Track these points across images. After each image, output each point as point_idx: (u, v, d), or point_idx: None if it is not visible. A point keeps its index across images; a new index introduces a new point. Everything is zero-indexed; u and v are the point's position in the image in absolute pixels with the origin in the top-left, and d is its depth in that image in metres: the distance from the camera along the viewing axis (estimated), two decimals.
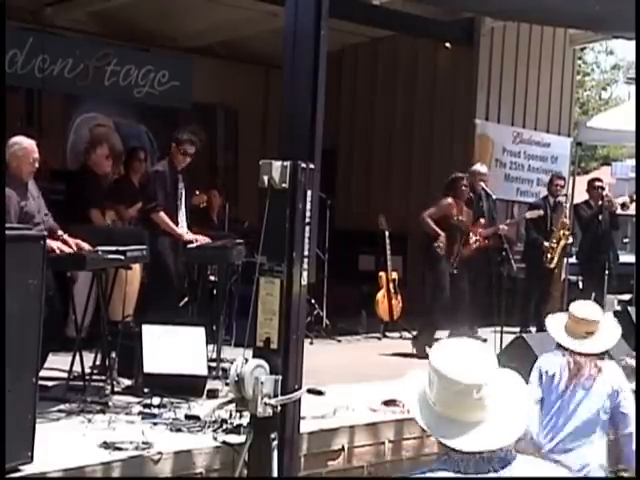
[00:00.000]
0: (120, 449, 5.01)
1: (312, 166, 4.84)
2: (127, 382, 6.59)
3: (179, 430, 5.52)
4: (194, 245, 7.50)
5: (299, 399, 4.89)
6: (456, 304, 9.20)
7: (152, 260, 7.05)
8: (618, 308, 11.17)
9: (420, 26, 11.64)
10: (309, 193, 4.82)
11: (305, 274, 4.84)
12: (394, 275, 10.15)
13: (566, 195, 11.07)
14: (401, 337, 10.04)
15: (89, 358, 6.62)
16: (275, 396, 4.67)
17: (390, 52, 13.03)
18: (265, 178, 4.76)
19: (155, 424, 5.61)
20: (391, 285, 10.09)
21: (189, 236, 7.57)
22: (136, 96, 11.77)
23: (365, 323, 10.35)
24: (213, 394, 6.36)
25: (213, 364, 7.05)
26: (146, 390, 6.21)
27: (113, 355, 6.66)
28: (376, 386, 7.16)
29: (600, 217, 10.89)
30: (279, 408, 4.69)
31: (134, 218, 8.42)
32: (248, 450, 4.76)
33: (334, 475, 5.93)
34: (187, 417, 5.75)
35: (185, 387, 6.29)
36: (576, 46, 13.80)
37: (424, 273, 9.69)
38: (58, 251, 6.07)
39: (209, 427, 5.51)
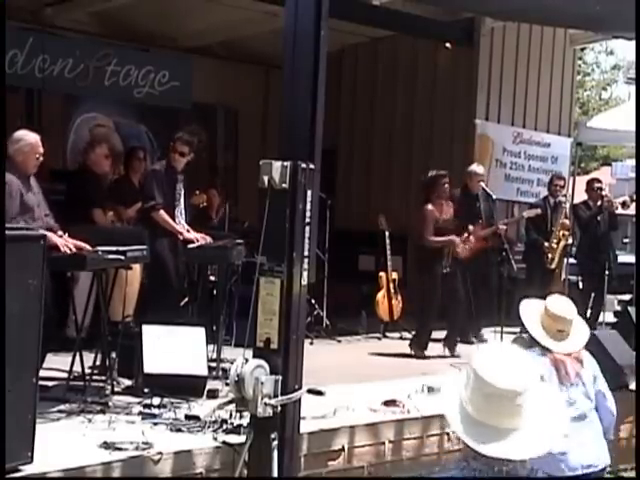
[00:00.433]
0: (120, 449, 5.01)
1: (312, 166, 4.84)
2: (127, 382, 6.59)
3: (179, 430, 5.52)
4: (194, 245, 7.50)
5: (299, 399, 4.89)
6: (454, 304, 9.18)
7: (152, 260, 7.05)
8: (618, 308, 11.20)
9: (420, 26, 11.64)
10: (309, 193, 4.82)
11: (305, 274, 4.84)
12: (394, 275, 10.15)
13: (566, 195, 11.07)
14: (401, 337, 10.03)
15: (89, 358, 6.62)
16: (275, 396, 4.68)
17: (390, 52, 13.03)
18: (265, 178, 4.77)
19: (155, 424, 5.61)
20: (391, 285, 10.08)
21: (190, 235, 7.57)
22: (136, 96, 11.77)
23: (365, 323, 10.34)
24: (213, 394, 6.35)
25: (213, 364, 7.04)
26: (146, 390, 6.21)
27: (113, 355, 6.66)
28: (376, 386, 7.16)
29: (599, 217, 10.90)
30: (279, 408, 4.70)
31: (134, 218, 8.42)
32: (248, 450, 4.76)
33: (334, 475, 5.93)
34: (187, 417, 5.75)
35: (185, 387, 6.28)
36: (576, 46, 13.80)
37: (419, 274, 9.64)
38: (65, 248, 6.07)
39: (209, 427, 5.51)
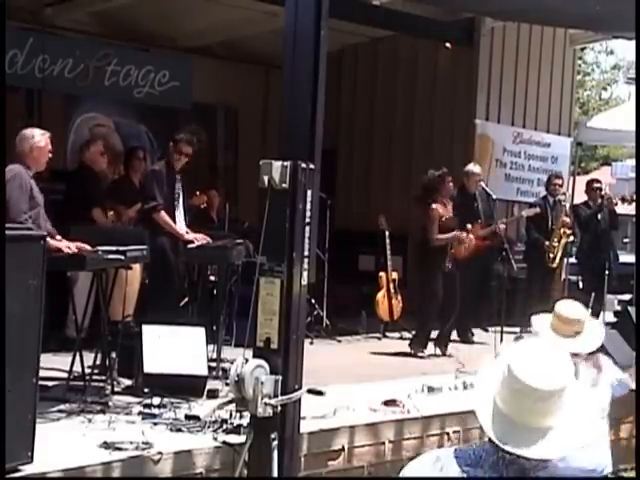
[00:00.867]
0: (120, 449, 5.01)
1: (312, 166, 4.84)
2: (127, 382, 6.59)
3: (179, 430, 5.52)
4: (194, 245, 7.50)
5: (299, 399, 4.90)
6: (452, 304, 9.17)
7: (152, 260, 7.05)
8: (618, 308, 11.20)
9: (420, 26, 11.64)
10: (309, 193, 4.83)
11: (305, 274, 4.85)
12: (394, 275, 10.14)
13: (565, 194, 11.08)
14: (401, 337, 10.03)
15: (89, 358, 6.62)
16: (275, 396, 4.68)
17: (390, 52, 13.03)
18: (265, 178, 4.77)
19: (155, 424, 5.61)
20: (391, 285, 10.08)
21: (190, 236, 7.57)
22: (136, 96, 11.77)
23: (365, 323, 10.34)
24: (213, 394, 6.35)
25: (213, 364, 7.04)
26: (146, 390, 6.21)
27: (113, 355, 6.66)
28: (376, 386, 7.16)
29: (599, 216, 10.91)
30: (279, 408, 4.70)
31: (134, 218, 8.42)
32: (248, 450, 4.76)
33: (334, 475, 5.93)
34: (187, 417, 5.74)
35: (185, 387, 6.29)
36: (576, 46, 13.80)
37: (420, 273, 9.64)
38: (65, 249, 6.07)
39: (209, 427, 5.51)
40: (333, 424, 6.00)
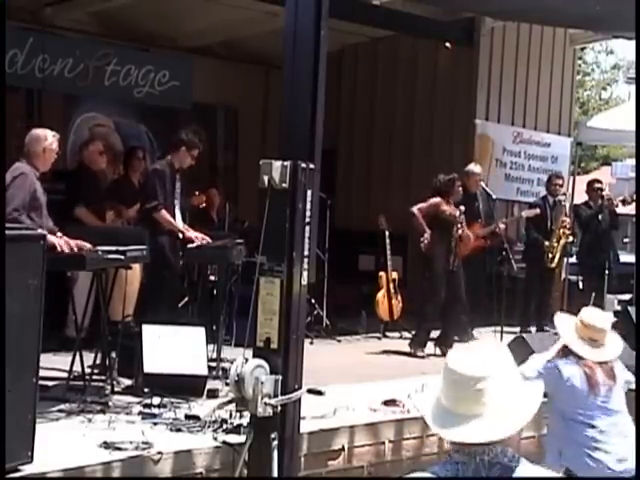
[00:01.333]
0: (120, 449, 5.01)
1: (312, 166, 4.84)
2: (127, 382, 6.59)
3: (179, 430, 5.52)
4: (194, 245, 7.50)
5: (299, 399, 4.90)
6: (454, 304, 9.17)
7: (152, 260, 7.05)
8: (618, 308, 11.18)
9: (420, 26, 11.64)
10: (309, 193, 4.83)
11: (305, 274, 4.85)
12: (394, 275, 10.14)
13: (565, 194, 11.08)
14: (401, 337, 10.03)
15: (89, 358, 6.62)
16: (275, 396, 4.68)
17: (390, 52, 13.03)
18: (265, 178, 4.77)
19: (155, 424, 5.61)
20: (391, 285, 10.08)
21: (190, 233, 7.56)
22: (136, 96, 11.77)
23: (365, 323, 10.35)
24: (213, 394, 6.36)
25: (213, 364, 7.04)
26: (146, 390, 6.21)
27: (113, 355, 6.66)
28: (376, 386, 7.17)
29: (600, 216, 10.91)
30: (279, 408, 4.70)
31: (134, 218, 8.42)
32: (248, 450, 4.76)
33: (334, 475, 5.93)
34: (187, 417, 5.75)
35: (185, 387, 6.29)
36: (576, 46, 13.79)
37: (423, 273, 9.64)
38: (65, 247, 6.06)
39: (209, 427, 5.51)
40: (333, 424, 6.01)
